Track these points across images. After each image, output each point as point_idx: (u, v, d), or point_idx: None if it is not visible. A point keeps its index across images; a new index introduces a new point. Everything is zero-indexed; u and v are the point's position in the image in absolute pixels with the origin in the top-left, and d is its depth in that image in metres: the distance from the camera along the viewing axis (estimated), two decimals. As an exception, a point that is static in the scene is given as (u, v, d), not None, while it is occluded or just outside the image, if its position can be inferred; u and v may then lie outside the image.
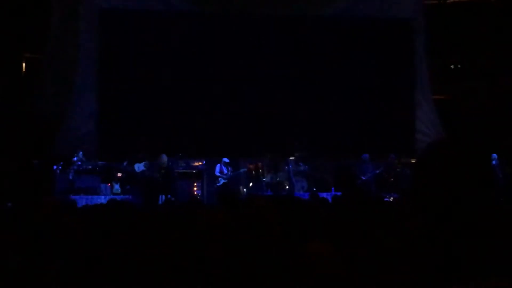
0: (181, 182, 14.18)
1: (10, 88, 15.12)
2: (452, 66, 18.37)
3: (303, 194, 13.10)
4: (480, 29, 16.95)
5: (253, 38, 15.97)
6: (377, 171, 14.73)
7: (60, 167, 13.48)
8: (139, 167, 13.83)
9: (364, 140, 15.69)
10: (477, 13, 16.98)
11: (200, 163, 14.83)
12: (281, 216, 3.66)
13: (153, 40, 15.53)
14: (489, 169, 1.63)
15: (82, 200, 11.66)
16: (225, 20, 15.99)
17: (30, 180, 12.45)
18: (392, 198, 11.56)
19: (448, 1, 17.64)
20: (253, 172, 14.86)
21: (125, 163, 13.95)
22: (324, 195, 11.16)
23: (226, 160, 14.43)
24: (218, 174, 14.37)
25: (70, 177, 13.46)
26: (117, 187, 13.74)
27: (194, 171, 14.75)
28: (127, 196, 13.14)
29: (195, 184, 14.54)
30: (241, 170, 14.78)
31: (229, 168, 14.48)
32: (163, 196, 12.95)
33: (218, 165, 14.42)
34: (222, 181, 14.29)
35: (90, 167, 13.91)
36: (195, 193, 14.28)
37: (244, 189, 14.69)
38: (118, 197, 12.02)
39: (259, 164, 14.88)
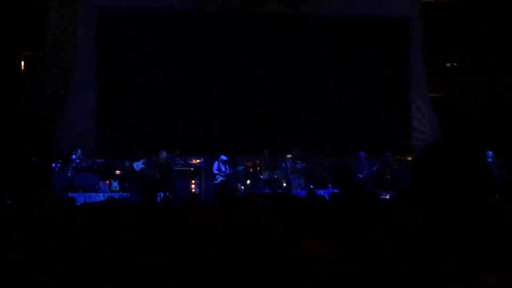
0: (179, 179, 14.21)
1: (8, 86, 15.11)
2: (448, 64, 18.41)
3: (300, 192, 13.16)
4: (476, 27, 16.97)
5: (251, 36, 15.98)
6: (374, 169, 14.77)
7: (58, 165, 13.50)
8: (138, 165, 13.86)
9: (360, 137, 15.73)
10: (473, 11, 17.01)
11: (198, 160, 14.86)
12: (279, 214, 3.69)
13: (151, 38, 15.53)
14: (485, 167, 1.67)
15: (80, 198, 11.71)
16: (224, 18, 15.99)
17: (29, 178, 12.48)
18: (388, 195, 11.63)
19: (444, -1, 17.69)
20: (251, 170, 14.88)
21: (126, 163, 13.98)
22: (321, 192, 11.22)
23: (224, 157, 14.46)
24: (216, 171, 14.40)
25: (69, 175, 13.47)
26: (115, 184, 13.76)
27: (192, 168, 14.78)
28: (125, 194, 13.17)
29: (193, 181, 14.56)
30: (239, 168, 14.81)
31: (227, 166, 14.52)
32: (162, 194, 12.98)
33: (216, 162, 14.46)
34: (220, 179, 14.32)
35: (88, 164, 13.93)
36: (193, 190, 14.30)
37: (242, 187, 14.72)
38: (116, 195, 12.08)
39: (257, 161, 14.90)
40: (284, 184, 14.54)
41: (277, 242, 3.21)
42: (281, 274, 2.59)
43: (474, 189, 1.61)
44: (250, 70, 15.77)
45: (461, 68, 18.10)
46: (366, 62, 16.15)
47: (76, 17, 15.26)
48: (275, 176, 14.73)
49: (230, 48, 15.78)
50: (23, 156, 13.16)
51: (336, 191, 12.36)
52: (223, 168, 14.42)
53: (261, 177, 14.73)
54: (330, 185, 14.05)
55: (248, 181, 14.78)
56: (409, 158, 14.98)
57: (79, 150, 13.87)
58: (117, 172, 14.02)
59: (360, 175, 14.68)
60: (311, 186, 14.00)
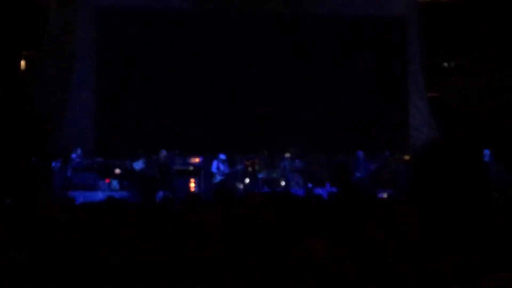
0: (178, 178, 14.21)
1: (8, 86, 15.11)
2: (445, 64, 18.43)
3: (299, 190, 13.17)
4: (475, 27, 16.98)
5: (251, 36, 15.99)
6: (372, 168, 14.79)
7: (58, 164, 13.51)
8: (138, 164, 13.87)
9: (359, 137, 15.75)
10: (472, 11, 17.01)
11: (197, 160, 14.87)
12: (277, 213, 3.70)
13: (151, 38, 15.55)
14: (483, 166, 1.68)
15: (80, 197, 11.70)
16: (224, 17, 16.00)
17: (29, 177, 12.49)
18: (386, 194, 11.64)
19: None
20: (250, 169, 14.90)
21: (126, 162, 14.00)
22: (319, 191, 11.24)
23: (223, 157, 14.47)
24: (215, 170, 14.41)
25: (68, 174, 13.49)
26: (115, 183, 13.77)
27: (191, 167, 14.78)
28: (125, 193, 13.17)
29: (192, 180, 14.57)
30: (238, 167, 14.82)
31: (226, 165, 14.52)
32: (161, 193, 12.98)
33: (215, 161, 14.46)
34: (219, 178, 14.33)
35: (88, 164, 13.94)
36: (193, 189, 14.30)
37: (241, 186, 14.72)
38: (116, 194, 12.08)
39: (256, 160, 14.92)
40: (283, 183, 14.55)
41: (276, 241, 3.22)
42: (281, 273, 2.61)
43: (472, 188, 1.62)
44: (250, 69, 15.78)
45: (459, 68, 18.12)
46: (365, 61, 16.19)
47: (76, 17, 15.27)
48: (274, 175, 14.74)
49: (229, 48, 15.79)
50: (23, 155, 13.16)
51: (334, 189, 12.40)
52: (222, 167, 14.43)
53: (260, 176, 14.73)
54: (327, 184, 14.07)
55: (247, 180, 14.79)
56: (407, 158, 14.99)
57: (79, 149, 13.88)
58: (117, 171, 14.02)
59: (358, 174, 14.70)
60: (309, 185, 14.02)
